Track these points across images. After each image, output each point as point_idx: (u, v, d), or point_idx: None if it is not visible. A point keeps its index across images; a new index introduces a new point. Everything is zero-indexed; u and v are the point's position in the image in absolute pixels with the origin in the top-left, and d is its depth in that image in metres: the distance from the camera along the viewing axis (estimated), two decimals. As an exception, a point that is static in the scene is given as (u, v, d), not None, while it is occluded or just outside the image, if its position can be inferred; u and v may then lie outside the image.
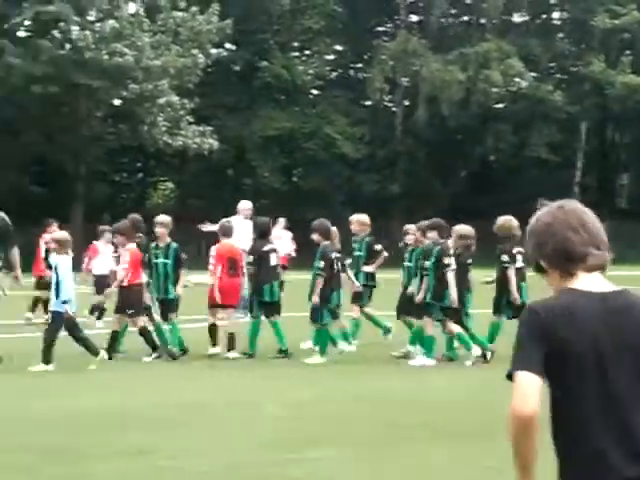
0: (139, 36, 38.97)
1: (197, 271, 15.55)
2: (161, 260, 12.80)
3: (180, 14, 40.60)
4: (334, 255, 12.45)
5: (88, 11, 40.01)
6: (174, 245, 12.89)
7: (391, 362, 12.52)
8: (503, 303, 12.66)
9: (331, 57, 50.46)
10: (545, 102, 45.91)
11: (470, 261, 12.63)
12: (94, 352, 11.80)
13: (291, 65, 46.11)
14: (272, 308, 13.04)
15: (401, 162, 47.96)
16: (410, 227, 13.24)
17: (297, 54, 48.97)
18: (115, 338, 12.68)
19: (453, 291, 11.99)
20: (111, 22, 38.60)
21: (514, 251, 12.49)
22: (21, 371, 11.70)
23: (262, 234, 13.27)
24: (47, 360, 11.69)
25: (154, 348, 12.68)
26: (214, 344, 12.98)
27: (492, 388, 10.17)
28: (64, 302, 11.66)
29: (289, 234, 24.25)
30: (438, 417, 8.85)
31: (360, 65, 51.12)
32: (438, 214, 16.52)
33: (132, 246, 12.70)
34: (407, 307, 12.81)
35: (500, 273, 12.66)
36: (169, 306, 12.93)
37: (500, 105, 48.11)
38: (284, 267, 19.29)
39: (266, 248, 13.04)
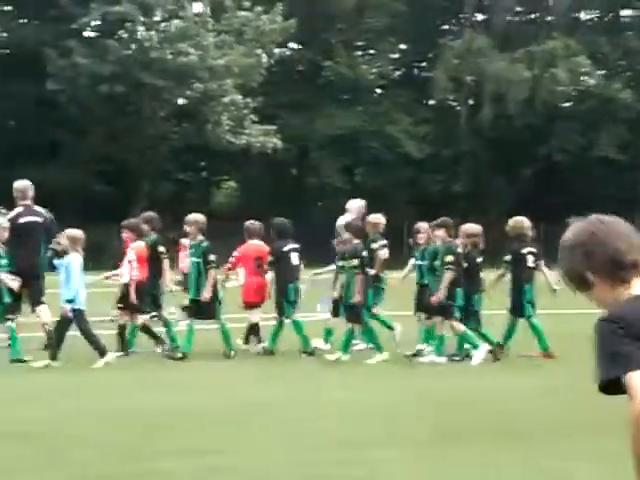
0: (204, 36, 39.23)
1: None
2: (194, 259, 12.79)
3: (244, 14, 40.78)
4: (365, 254, 12.53)
5: (154, 11, 40.35)
6: (204, 244, 12.78)
7: (451, 362, 12.39)
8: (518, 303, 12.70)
9: (395, 56, 50.26)
10: (614, 101, 45.22)
11: (480, 260, 12.64)
12: (102, 351, 11.84)
13: (355, 64, 46.02)
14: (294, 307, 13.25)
15: (465, 161, 47.60)
16: (422, 225, 13.21)
17: (361, 53, 48.86)
18: (122, 333, 12.85)
19: (443, 289, 12.05)
20: (176, 22, 38.91)
21: (524, 251, 12.62)
22: (91, 369, 11.80)
23: (282, 234, 13.35)
24: (53, 356, 11.75)
25: (157, 341, 12.91)
26: (259, 341, 13.25)
27: (552, 390, 10.15)
28: (69, 301, 11.69)
29: None
30: (500, 418, 8.76)
31: (424, 64, 50.87)
32: (502, 214, 16.37)
33: (139, 243, 12.91)
34: (422, 305, 12.83)
35: (504, 271, 12.83)
36: (200, 306, 12.76)
37: (567, 104, 47.48)
38: None
39: (286, 248, 13.16)
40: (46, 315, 12.76)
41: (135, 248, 12.82)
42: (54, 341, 11.86)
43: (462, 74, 46.83)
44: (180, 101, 41.03)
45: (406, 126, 45.52)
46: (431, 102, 49.27)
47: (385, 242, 13.61)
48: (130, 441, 7.74)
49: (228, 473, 6.85)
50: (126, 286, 12.72)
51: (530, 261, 12.62)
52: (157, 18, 40.61)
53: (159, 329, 13.20)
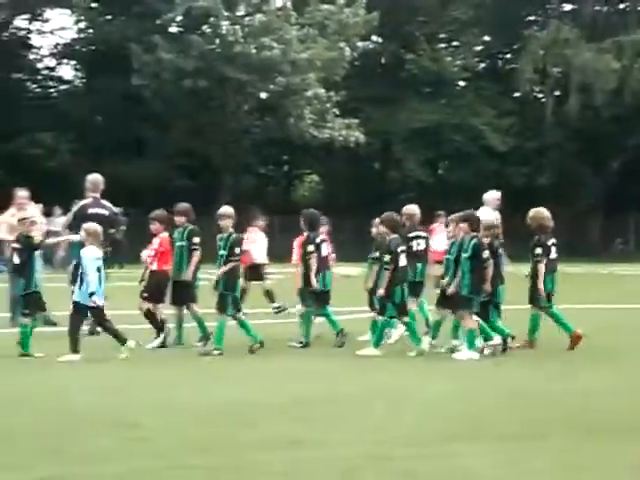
0: (287, 30, 39.27)
1: (342, 263, 15.57)
2: (221, 252, 12.68)
3: (327, 7, 40.74)
4: (401, 249, 12.43)
5: (237, 6, 40.53)
6: (232, 237, 12.64)
7: (531, 356, 12.23)
8: (536, 295, 12.70)
9: (479, 48, 49.69)
10: None
11: (501, 251, 12.58)
12: (122, 341, 11.84)
13: (438, 57, 45.63)
14: (322, 297, 13.29)
15: (551, 153, 46.87)
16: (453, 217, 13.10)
17: (444, 45, 48.42)
18: (151, 317, 13.05)
19: (487, 285, 11.99)
20: (259, 16, 39.00)
21: (549, 243, 12.67)
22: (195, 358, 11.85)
23: (312, 226, 13.43)
24: (75, 350, 11.75)
25: (159, 330, 12.99)
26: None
27: (633, 385, 9.91)
28: (91, 294, 11.70)
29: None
30: (582, 414, 8.60)
31: (509, 56, 50.20)
32: (589, 206, 16.06)
33: (165, 234, 13.22)
34: (444, 299, 12.65)
35: (533, 265, 12.71)
36: (223, 299, 12.58)
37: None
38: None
39: (318, 239, 13.28)
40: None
41: (162, 238, 13.14)
42: (112, 332, 12.04)
43: (548, 65, 46.07)
44: (263, 95, 41.15)
45: (490, 118, 45.01)
46: (516, 94, 48.58)
47: (422, 234, 13.58)
48: (218, 434, 7.74)
49: (313, 464, 6.84)
50: (152, 274, 13.05)
51: (554, 252, 12.67)
52: (240, 13, 40.79)
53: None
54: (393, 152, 45.83)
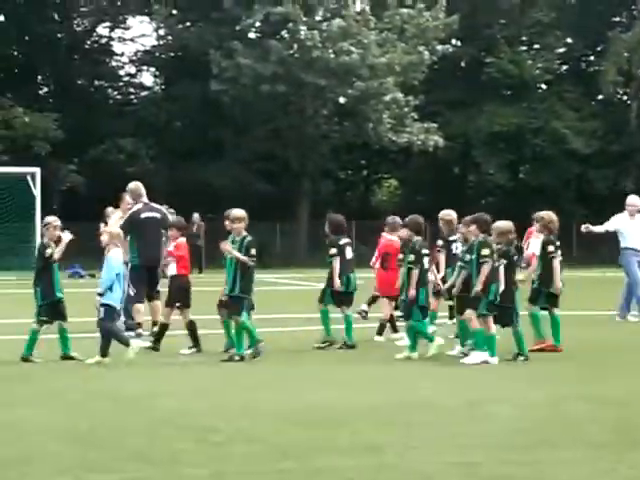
0: (365, 34, 39.15)
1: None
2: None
3: (406, 11, 40.54)
4: (424, 251, 12.48)
5: (316, 11, 40.53)
6: (247, 239, 12.43)
7: (623, 363, 11.99)
8: (542, 294, 12.95)
9: (561, 50, 48.92)
10: None
11: (517, 258, 12.59)
12: (125, 343, 11.81)
13: (519, 59, 45.04)
14: (345, 299, 13.46)
15: (636, 157, 45.86)
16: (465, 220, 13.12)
17: (525, 48, 47.78)
18: (163, 331, 12.97)
19: (479, 282, 11.79)
20: (338, 21, 38.94)
21: (557, 243, 13.06)
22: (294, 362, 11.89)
23: (337, 229, 13.65)
24: (104, 353, 11.78)
25: (195, 344, 12.86)
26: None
27: None
28: (99, 294, 11.81)
29: None
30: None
31: (592, 58, 49.34)
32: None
33: (182, 240, 13.24)
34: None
35: (545, 263, 12.99)
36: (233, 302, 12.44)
37: None
38: None
39: (342, 242, 13.42)
40: (141, 311, 13.73)
41: (179, 244, 13.19)
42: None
43: (633, 67, 45.11)
44: (341, 100, 41.07)
45: (572, 122, 44.28)
46: (599, 97, 47.69)
47: (456, 237, 13.66)
48: (298, 438, 7.71)
49: (394, 471, 6.76)
50: (172, 279, 13.11)
51: (559, 255, 13.00)
52: (319, 18, 40.79)
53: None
54: (472, 156, 45.37)
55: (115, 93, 47.86)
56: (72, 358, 11.96)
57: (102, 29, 47.11)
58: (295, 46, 39.22)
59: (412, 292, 12.25)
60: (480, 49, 45.72)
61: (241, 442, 7.52)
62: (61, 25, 44.60)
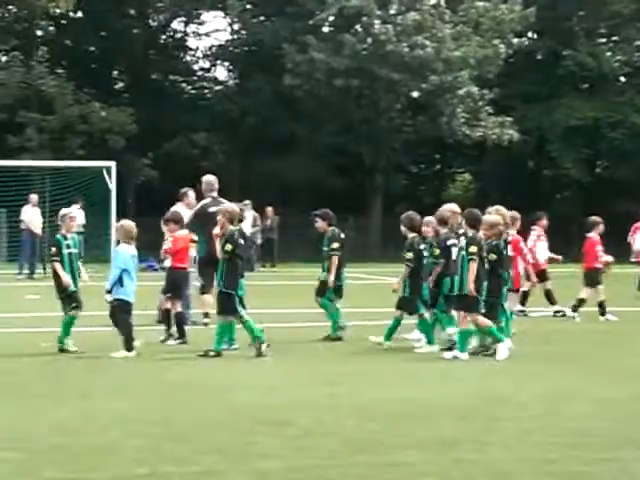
0: (440, 27, 38.82)
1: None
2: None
3: (482, 4, 40.14)
4: (422, 247, 12.58)
5: (390, 4, 40.31)
6: (226, 234, 12.43)
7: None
8: None
9: (641, 43, 47.89)
10: None
11: (505, 252, 12.24)
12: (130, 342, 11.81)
13: (597, 52, 44.20)
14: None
15: None
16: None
17: (604, 40, 46.90)
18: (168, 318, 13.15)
19: (470, 280, 11.63)
20: (412, 14, 38.67)
21: None
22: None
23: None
24: (129, 347, 11.84)
25: (181, 335, 12.99)
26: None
27: None
28: (107, 291, 11.91)
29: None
30: None
31: (673, 50, 48.20)
32: None
33: (181, 233, 13.46)
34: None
35: None
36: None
37: None
38: None
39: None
40: (209, 302, 13.80)
41: (178, 237, 13.39)
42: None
43: None
44: (415, 94, 40.77)
45: (653, 115, 43.31)
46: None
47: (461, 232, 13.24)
48: (376, 432, 7.67)
49: (469, 466, 6.69)
50: (169, 272, 13.33)
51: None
52: (393, 11, 40.54)
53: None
54: (548, 150, 44.70)
55: (189, 88, 48.15)
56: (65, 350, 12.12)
57: (177, 24, 47.43)
58: (369, 40, 39.01)
59: (431, 283, 12.46)
60: (557, 42, 44.96)
61: (317, 435, 7.52)
62: (137, 20, 45.00)
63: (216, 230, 12.29)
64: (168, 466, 6.56)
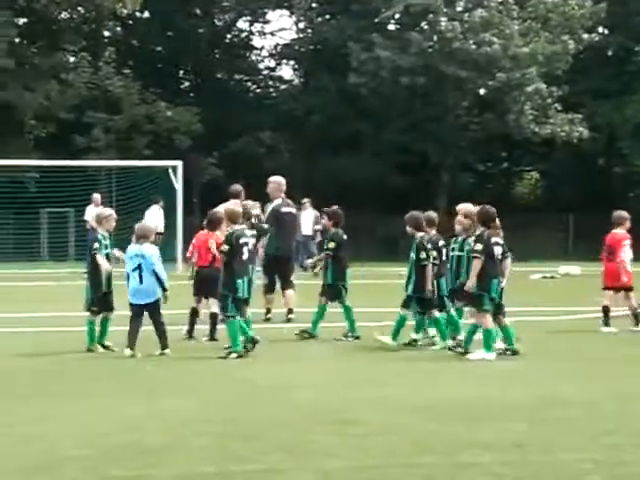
0: (507, 24, 38.36)
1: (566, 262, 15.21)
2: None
3: (551, 0, 39.53)
4: (430, 246, 12.52)
5: (457, 1, 39.97)
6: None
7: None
8: None
9: None
10: None
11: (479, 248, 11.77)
12: (131, 344, 11.63)
13: (670, 47, 43.37)
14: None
15: None
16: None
17: (677, 34, 45.95)
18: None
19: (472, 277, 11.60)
20: (480, 11, 38.29)
21: None
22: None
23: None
24: (164, 346, 11.78)
25: (211, 336, 12.90)
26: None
27: None
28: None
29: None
30: None
31: None
32: None
33: (203, 232, 13.35)
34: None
35: None
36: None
37: None
38: None
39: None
40: (293, 299, 14.30)
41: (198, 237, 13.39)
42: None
43: None
44: (482, 91, 40.38)
45: None
46: None
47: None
48: (444, 432, 7.60)
49: (538, 467, 6.60)
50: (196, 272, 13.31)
51: None
52: (460, 8, 40.19)
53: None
54: (619, 147, 43.93)
55: (254, 87, 48.27)
56: (107, 347, 12.10)
57: (242, 23, 47.61)
58: (435, 37, 38.73)
59: (429, 287, 12.35)
60: (629, 37, 44.17)
61: (381, 435, 7.45)
62: (202, 20, 45.18)
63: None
64: (233, 465, 6.57)
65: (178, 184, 30.34)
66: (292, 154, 44.45)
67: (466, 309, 12.42)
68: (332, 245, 13.49)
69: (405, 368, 11.02)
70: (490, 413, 8.33)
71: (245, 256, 11.81)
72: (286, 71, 48.72)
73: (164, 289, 11.79)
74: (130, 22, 44.25)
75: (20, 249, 35.35)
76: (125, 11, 39.49)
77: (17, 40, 38.30)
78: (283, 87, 47.86)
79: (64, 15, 41.77)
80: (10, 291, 22.10)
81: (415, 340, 12.59)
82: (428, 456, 6.84)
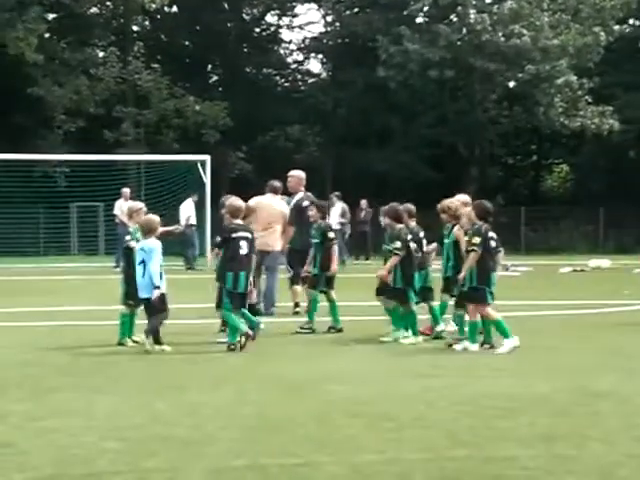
0: (538, 16, 38.11)
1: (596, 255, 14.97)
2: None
3: (581, -9, 39.29)
4: (410, 237, 12.49)
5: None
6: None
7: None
8: None
9: None
10: None
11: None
12: (157, 341, 11.57)
13: (701, 38, 42.95)
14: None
15: None
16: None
17: None
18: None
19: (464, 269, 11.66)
20: (509, 3, 38.09)
21: None
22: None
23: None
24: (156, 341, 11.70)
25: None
26: None
27: None
28: (156, 287, 11.64)
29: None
30: None
31: None
32: None
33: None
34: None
35: None
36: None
37: None
38: None
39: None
40: (299, 293, 14.20)
41: None
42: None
43: None
44: (511, 84, 40.17)
45: None
46: None
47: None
48: (476, 425, 7.55)
49: (571, 461, 6.53)
50: None
51: None
52: (489, 0, 39.98)
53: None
54: (650, 140, 43.59)
55: (283, 80, 48.30)
56: (137, 342, 12.05)
57: (270, 17, 47.66)
58: (464, 30, 38.53)
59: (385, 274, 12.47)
60: (661, 28, 43.86)
61: (414, 428, 7.41)
62: (231, 14, 45.24)
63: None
64: (265, 458, 6.55)
65: (207, 178, 30.37)
66: (321, 148, 44.41)
67: (451, 302, 12.38)
68: (331, 235, 13.62)
69: (440, 361, 10.92)
70: (522, 406, 8.25)
71: (243, 251, 11.76)
72: (314, 65, 48.78)
73: (153, 285, 11.65)
74: (158, 17, 44.39)
75: (50, 243, 35.61)
76: (154, 6, 39.63)
77: (47, 35, 38.47)
78: (311, 81, 47.85)
79: (93, 10, 41.95)
80: (40, 285, 22.22)
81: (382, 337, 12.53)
82: (462, 450, 6.79)
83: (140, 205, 12.91)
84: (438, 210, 12.64)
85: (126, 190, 28.96)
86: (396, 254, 12.32)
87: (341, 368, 10.46)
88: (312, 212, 13.76)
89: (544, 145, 48.06)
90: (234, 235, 11.80)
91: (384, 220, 12.76)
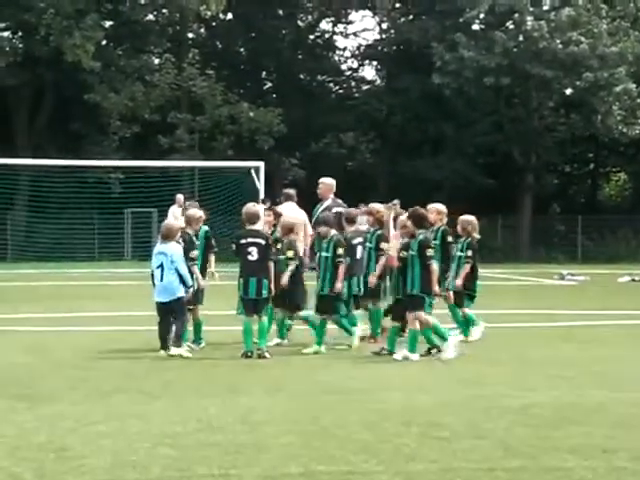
0: (596, 23, 37.65)
1: None
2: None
3: (640, -2, 38.78)
4: (355, 241, 12.81)
5: (543, 1, 39.35)
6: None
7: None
8: None
9: None
10: None
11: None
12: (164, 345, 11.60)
13: None
14: None
15: None
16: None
17: None
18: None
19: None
20: (567, 10, 37.64)
21: None
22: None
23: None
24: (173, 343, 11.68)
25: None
26: None
27: None
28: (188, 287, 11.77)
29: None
30: None
31: None
32: None
33: None
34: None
35: None
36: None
37: None
38: None
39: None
40: None
41: None
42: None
43: None
44: (568, 91, 39.71)
45: None
46: None
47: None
48: (532, 436, 7.44)
49: (628, 475, 6.43)
50: None
51: None
52: (546, 7, 39.58)
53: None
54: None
55: (337, 87, 48.23)
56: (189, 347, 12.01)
57: (325, 24, 47.59)
58: (521, 37, 38.17)
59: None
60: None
61: (468, 438, 7.33)
62: (285, 21, 45.28)
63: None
64: (317, 465, 6.52)
65: (260, 184, 30.38)
66: (374, 155, 44.23)
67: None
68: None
69: (491, 370, 10.83)
70: (577, 417, 8.13)
71: (252, 257, 11.76)
72: (368, 71, 48.62)
73: (186, 286, 11.76)
74: (213, 24, 44.57)
75: (104, 249, 35.86)
76: (209, 13, 39.75)
77: (104, 43, 38.82)
78: (365, 87, 47.73)
79: (149, 18, 42.26)
80: (94, 290, 22.36)
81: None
82: (516, 460, 6.70)
83: (200, 213, 12.94)
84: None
85: (180, 196, 29.04)
86: (340, 262, 12.26)
87: (395, 376, 10.42)
88: (322, 229, 12.80)
89: (601, 153, 47.45)
90: (242, 241, 11.88)
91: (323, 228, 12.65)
